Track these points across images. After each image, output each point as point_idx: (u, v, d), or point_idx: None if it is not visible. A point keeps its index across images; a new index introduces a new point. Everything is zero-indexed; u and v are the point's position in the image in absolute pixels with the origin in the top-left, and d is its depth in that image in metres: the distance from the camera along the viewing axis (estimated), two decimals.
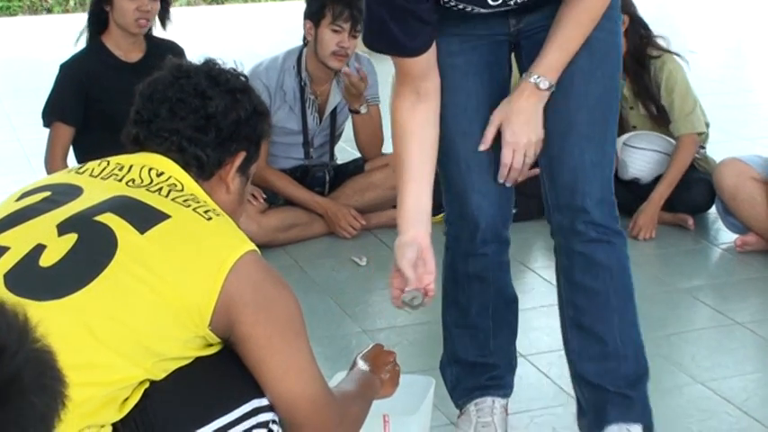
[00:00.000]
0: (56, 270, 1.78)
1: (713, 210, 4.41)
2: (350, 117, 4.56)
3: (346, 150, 4.97)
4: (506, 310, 2.84)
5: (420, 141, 2.46)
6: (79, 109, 4.15)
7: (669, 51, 4.44)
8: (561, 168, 2.50)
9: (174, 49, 4.29)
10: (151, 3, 4.12)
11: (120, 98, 4.07)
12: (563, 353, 3.28)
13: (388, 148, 4.68)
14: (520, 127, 2.43)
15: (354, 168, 4.63)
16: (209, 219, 1.86)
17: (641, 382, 2.60)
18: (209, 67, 2.06)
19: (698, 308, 3.55)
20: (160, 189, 1.90)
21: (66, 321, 1.72)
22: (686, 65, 4.44)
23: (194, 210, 1.87)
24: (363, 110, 4.45)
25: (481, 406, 2.77)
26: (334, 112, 4.54)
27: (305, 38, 4.44)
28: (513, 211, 4.65)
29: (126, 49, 4.20)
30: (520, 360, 3.23)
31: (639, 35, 4.38)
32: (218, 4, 14.70)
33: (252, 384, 1.87)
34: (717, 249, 4.31)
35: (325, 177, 4.56)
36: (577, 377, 2.64)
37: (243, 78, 2.08)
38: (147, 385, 1.79)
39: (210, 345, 1.86)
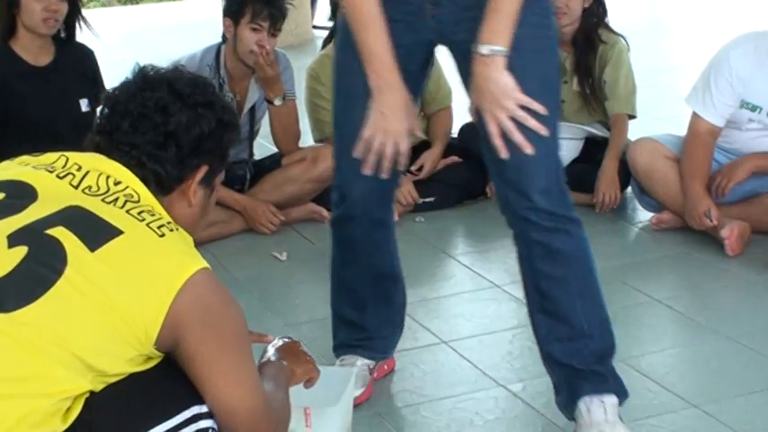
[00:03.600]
0: (4, 283, 1.77)
1: (629, 189, 4.47)
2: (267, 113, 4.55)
3: (264, 146, 4.96)
4: (386, 283, 2.94)
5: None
6: None
7: (618, 34, 4.56)
8: (505, 166, 2.50)
9: (85, 52, 4.25)
10: (59, 3, 4.07)
11: (31, 103, 4.07)
12: (483, 338, 3.33)
13: (304, 142, 4.70)
14: (489, 96, 2.44)
15: (271, 163, 4.61)
16: (162, 235, 1.86)
17: (609, 356, 2.66)
18: (176, 76, 2.02)
19: (616, 286, 3.59)
20: (116, 199, 1.89)
21: (13, 334, 1.73)
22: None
23: (148, 224, 1.86)
24: (278, 102, 4.43)
25: (345, 363, 2.92)
26: (252, 109, 4.53)
27: (224, 35, 4.42)
28: (431, 199, 4.71)
29: (35, 53, 4.14)
30: (441, 346, 3.26)
31: (595, 15, 4.49)
32: (132, 4, 14.58)
33: (192, 391, 1.88)
34: (633, 228, 4.37)
35: (246, 175, 4.54)
36: (547, 358, 2.68)
37: (210, 89, 2.04)
38: (87, 395, 1.79)
39: (151, 358, 1.87)
